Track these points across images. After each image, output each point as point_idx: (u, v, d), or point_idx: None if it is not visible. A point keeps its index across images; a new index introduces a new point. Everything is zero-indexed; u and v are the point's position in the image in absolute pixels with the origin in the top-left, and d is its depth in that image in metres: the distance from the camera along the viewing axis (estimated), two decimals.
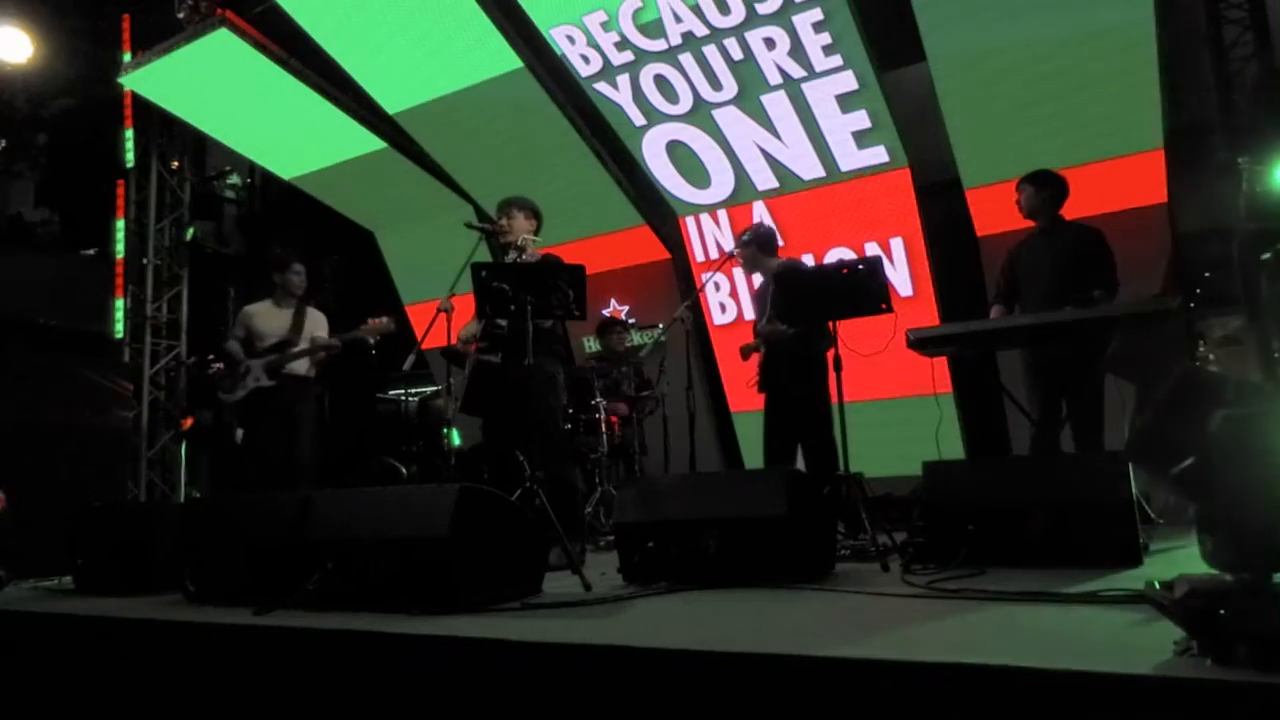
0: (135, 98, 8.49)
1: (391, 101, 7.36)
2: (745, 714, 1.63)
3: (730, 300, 6.92)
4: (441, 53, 6.85)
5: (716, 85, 6.32)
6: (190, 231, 9.21)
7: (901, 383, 5.84)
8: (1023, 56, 5.44)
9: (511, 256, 4.30)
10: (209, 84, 7.78)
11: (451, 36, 6.72)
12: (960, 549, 2.90)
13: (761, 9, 5.86)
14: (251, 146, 8.56)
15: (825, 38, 5.81)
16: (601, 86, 6.68)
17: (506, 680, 1.91)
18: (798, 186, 6.52)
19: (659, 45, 6.29)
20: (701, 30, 6.09)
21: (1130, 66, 5.19)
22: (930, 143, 6.01)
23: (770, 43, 5.97)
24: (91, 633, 2.72)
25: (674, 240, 7.27)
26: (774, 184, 6.59)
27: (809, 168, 6.41)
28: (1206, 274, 5.53)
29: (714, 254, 6.89)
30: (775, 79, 6.13)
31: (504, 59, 6.74)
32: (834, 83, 5.98)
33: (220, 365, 6.16)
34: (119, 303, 8.72)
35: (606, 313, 7.32)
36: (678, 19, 6.10)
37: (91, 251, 9.50)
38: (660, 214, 7.32)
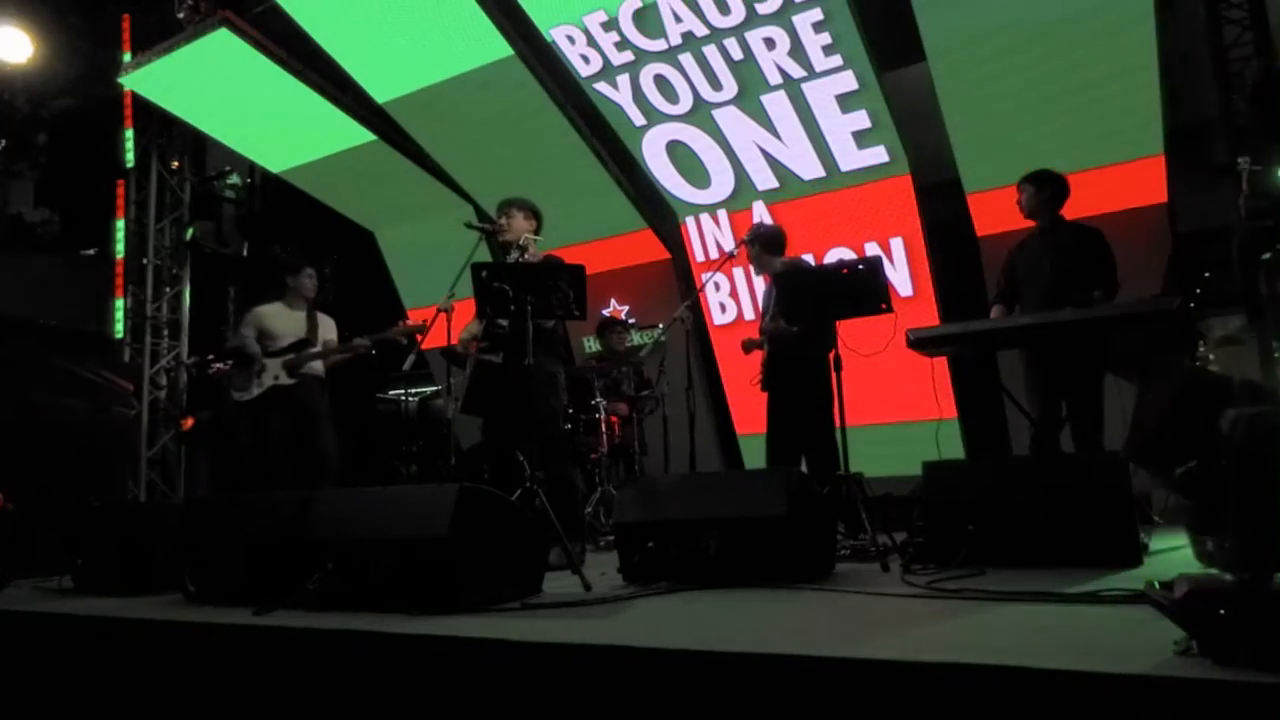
0: (135, 98, 8.50)
1: (389, 94, 7.34)
2: (745, 714, 1.63)
3: (730, 300, 6.92)
4: (441, 50, 6.85)
5: (716, 85, 6.33)
6: (190, 231, 9.21)
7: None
8: (1022, 56, 5.44)
9: (513, 256, 4.30)
10: (209, 84, 7.79)
11: (451, 34, 6.73)
12: (960, 549, 2.90)
13: (761, 9, 5.86)
14: (251, 146, 8.56)
15: (825, 38, 5.82)
16: (601, 86, 6.68)
17: (506, 680, 1.91)
18: (798, 186, 6.52)
19: (659, 45, 6.29)
20: (701, 30, 6.10)
21: (1130, 67, 5.19)
22: (930, 143, 6.01)
23: (770, 43, 5.98)
24: (91, 633, 2.72)
25: (674, 240, 7.28)
26: (774, 184, 6.59)
27: (809, 168, 6.41)
28: (1206, 274, 5.53)
29: (714, 254, 6.90)
30: (775, 79, 6.13)
31: (500, 52, 6.75)
32: (834, 83, 5.98)
33: (225, 364, 6.16)
34: (119, 303, 8.73)
35: (606, 313, 7.32)
36: (678, 19, 6.11)
37: (91, 251, 9.50)
38: (660, 214, 7.33)
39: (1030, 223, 4.41)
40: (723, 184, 6.77)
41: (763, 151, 6.48)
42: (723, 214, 6.87)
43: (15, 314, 8.25)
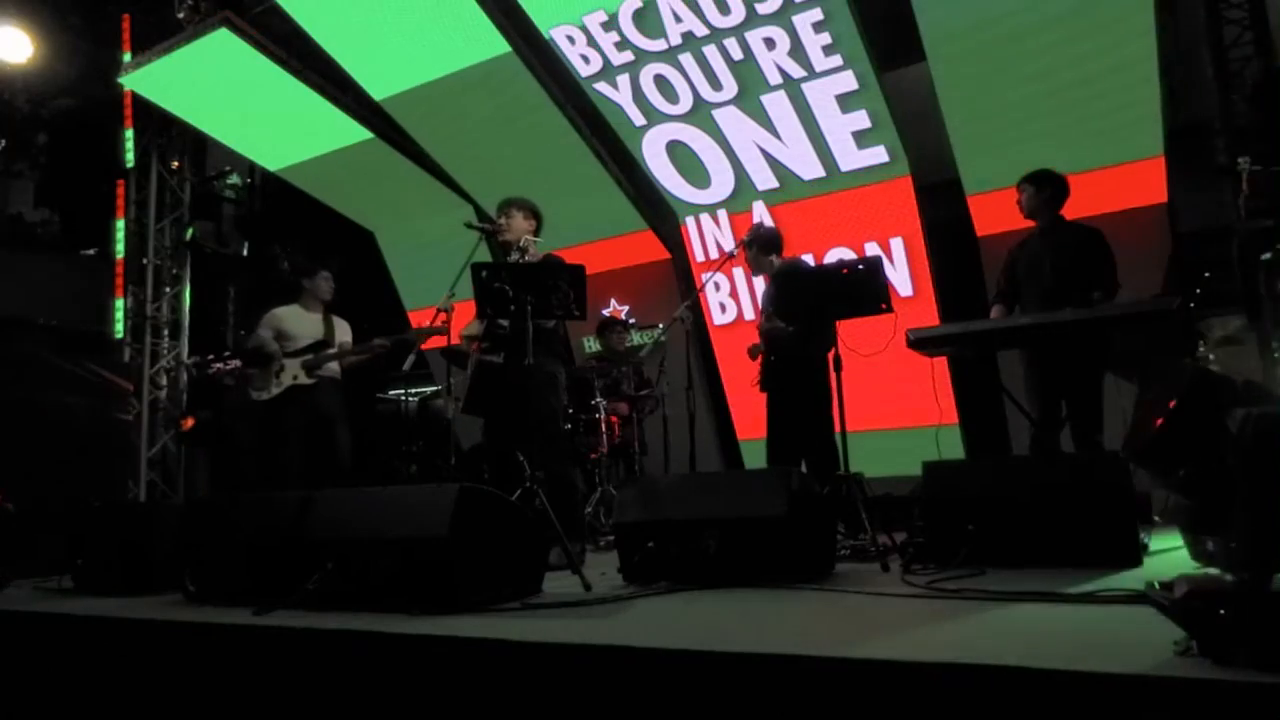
0: (135, 98, 8.49)
1: (388, 91, 7.34)
2: (745, 714, 1.63)
3: (730, 300, 6.92)
4: (440, 48, 6.85)
5: (716, 85, 6.32)
6: (190, 231, 9.21)
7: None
8: (1022, 56, 5.44)
9: (513, 257, 4.30)
10: (209, 84, 7.79)
11: (450, 33, 6.72)
12: (960, 549, 2.90)
13: (761, 9, 5.86)
14: (251, 146, 8.56)
15: (825, 38, 5.81)
16: (601, 86, 6.68)
17: (506, 680, 1.91)
18: (798, 187, 6.52)
19: (659, 45, 6.29)
20: (701, 30, 6.10)
21: (1130, 67, 5.19)
22: (930, 143, 6.01)
23: (770, 43, 5.98)
24: (91, 633, 2.71)
25: (674, 240, 7.28)
26: (774, 184, 6.59)
27: (809, 168, 6.41)
28: (1206, 274, 5.53)
29: (714, 254, 6.89)
30: (775, 79, 6.13)
31: (499, 50, 6.75)
32: (834, 83, 5.98)
33: (235, 363, 6.16)
34: (119, 303, 8.72)
35: (606, 313, 7.32)
36: (678, 19, 6.11)
37: (91, 251, 9.51)
38: (660, 214, 7.33)
39: (1030, 223, 4.41)
40: (723, 184, 6.77)
41: (763, 151, 6.48)
42: (723, 214, 6.87)
43: (15, 314, 8.25)
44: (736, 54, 6.12)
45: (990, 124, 5.69)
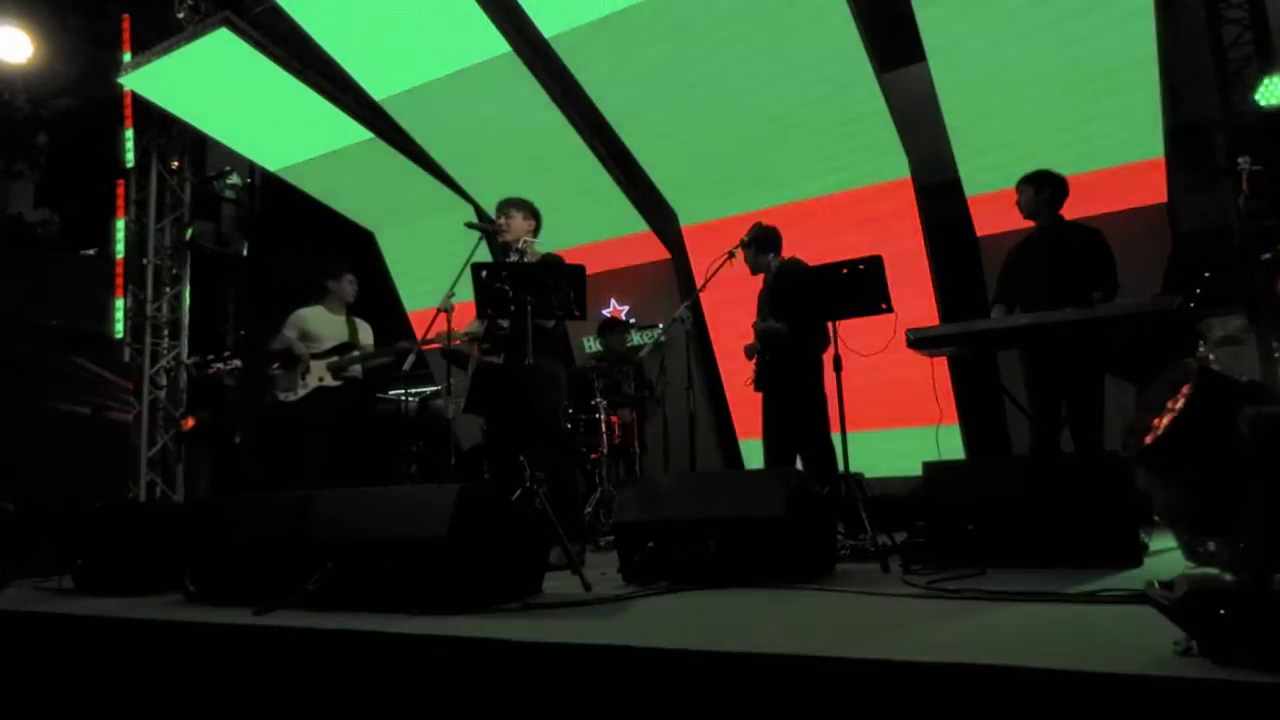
0: (135, 98, 8.49)
1: (388, 91, 7.34)
2: (745, 714, 1.63)
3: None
4: (440, 47, 6.85)
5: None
6: (190, 231, 9.21)
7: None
8: (1023, 57, 5.44)
9: (512, 258, 4.30)
10: (209, 84, 7.78)
11: (449, 33, 6.72)
12: (960, 549, 2.90)
13: None
14: (251, 146, 8.57)
15: (825, 38, 5.81)
16: (601, 86, 6.67)
17: (506, 680, 1.91)
18: (798, 187, 6.52)
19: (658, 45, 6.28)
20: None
21: (1130, 67, 5.19)
22: (930, 143, 6.01)
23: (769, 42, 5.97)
24: (91, 633, 2.71)
25: (674, 240, 7.27)
26: (774, 185, 6.58)
27: (809, 168, 6.40)
28: (1206, 274, 5.53)
29: (714, 254, 6.88)
30: (775, 79, 6.12)
31: (499, 49, 6.75)
32: (834, 83, 5.97)
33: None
34: (119, 303, 8.72)
35: (606, 313, 7.32)
36: (677, 19, 6.09)
37: (91, 251, 9.50)
38: (661, 215, 7.33)
39: (1030, 223, 4.41)
40: (723, 184, 6.76)
41: (763, 152, 6.48)
42: (723, 215, 6.86)
43: (15, 314, 8.25)
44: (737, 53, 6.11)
45: (990, 124, 5.70)
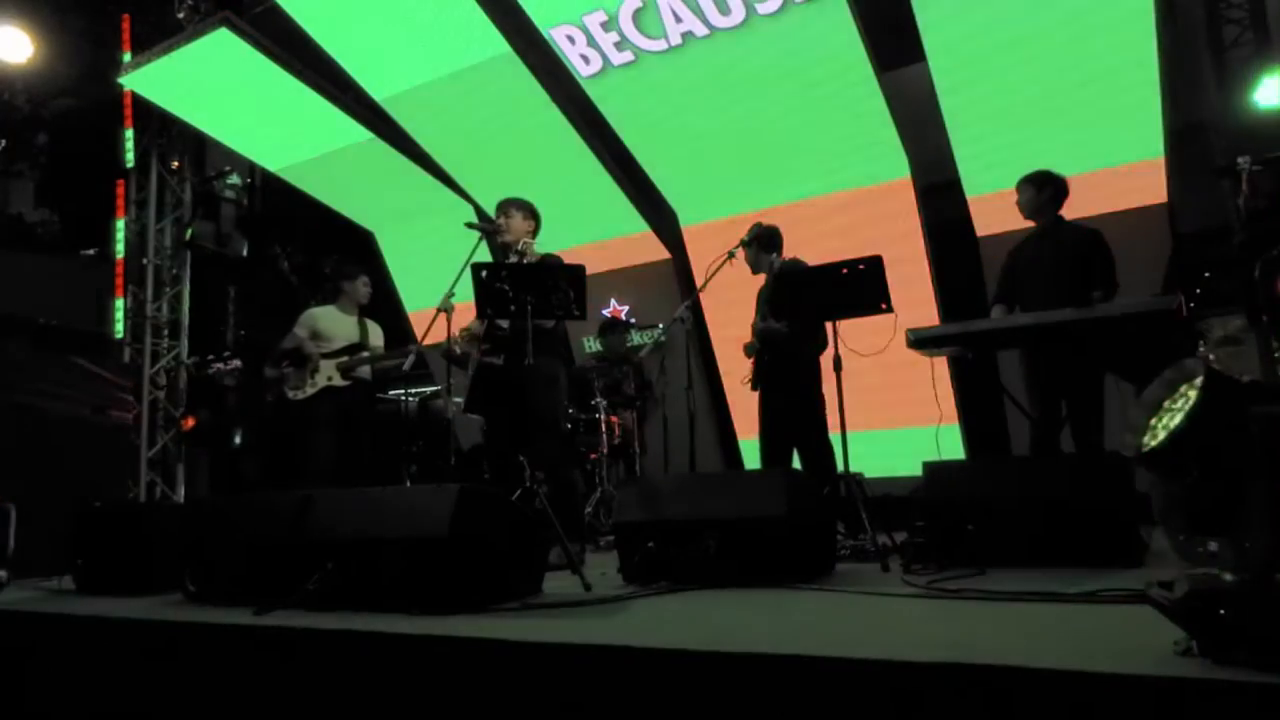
0: (135, 98, 8.49)
1: (388, 91, 7.34)
2: (745, 714, 1.63)
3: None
4: (439, 47, 6.85)
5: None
6: (190, 231, 9.21)
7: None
8: (1022, 57, 5.44)
9: (512, 258, 4.31)
10: (209, 84, 7.79)
11: (449, 32, 6.72)
12: (960, 549, 2.90)
13: (761, 9, 5.86)
14: (251, 146, 8.57)
15: (825, 38, 5.81)
16: (601, 86, 6.67)
17: (506, 680, 1.91)
18: (798, 187, 6.52)
19: (659, 45, 6.29)
20: (702, 30, 6.09)
21: (1130, 67, 5.20)
22: (930, 143, 6.01)
23: (770, 43, 5.97)
24: (91, 633, 2.71)
25: (674, 240, 7.27)
26: (774, 185, 6.58)
27: (809, 168, 6.40)
28: (1206, 274, 5.53)
29: (714, 255, 6.88)
30: (775, 79, 6.12)
31: (499, 49, 6.75)
32: (835, 83, 5.97)
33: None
34: (119, 303, 8.72)
35: (606, 313, 7.32)
36: (678, 19, 6.10)
37: (91, 251, 9.50)
38: (661, 215, 7.33)
39: (1030, 223, 4.41)
40: (723, 184, 6.76)
41: (763, 152, 6.48)
42: (723, 215, 6.87)
43: (15, 314, 8.24)
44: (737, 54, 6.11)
45: (990, 124, 5.70)
